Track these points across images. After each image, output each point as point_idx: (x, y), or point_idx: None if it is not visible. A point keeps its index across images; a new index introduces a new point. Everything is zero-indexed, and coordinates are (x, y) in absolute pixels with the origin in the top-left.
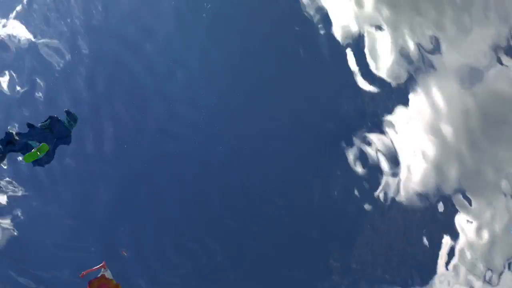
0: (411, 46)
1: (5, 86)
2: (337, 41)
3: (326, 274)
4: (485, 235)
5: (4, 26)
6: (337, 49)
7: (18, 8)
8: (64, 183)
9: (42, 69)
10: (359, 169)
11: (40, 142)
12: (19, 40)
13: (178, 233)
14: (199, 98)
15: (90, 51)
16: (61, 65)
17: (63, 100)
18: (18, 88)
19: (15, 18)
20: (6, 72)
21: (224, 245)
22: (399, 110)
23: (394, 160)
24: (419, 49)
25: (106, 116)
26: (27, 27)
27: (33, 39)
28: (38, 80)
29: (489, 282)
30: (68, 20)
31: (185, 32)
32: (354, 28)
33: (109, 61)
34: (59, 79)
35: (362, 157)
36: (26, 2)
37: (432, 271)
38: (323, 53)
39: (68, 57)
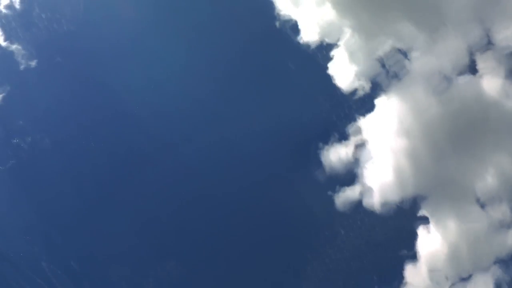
0: (381, 54)
1: None
2: (309, 51)
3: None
4: (449, 242)
5: None
6: (309, 60)
7: None
8: None
9: None
10: (326, 176)
11: None
12: None
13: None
14: (180, 107)
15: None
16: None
17: None
18: None
19: None
20: None
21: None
22: (369, 117)
23: (361, 167)
24: (388, 58)
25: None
26: None
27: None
28: None
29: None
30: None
31: (167, 43)
32: (325, 38)
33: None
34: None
35: (330, 164)
36: None
37: (398, 276)
38: (293, 63)
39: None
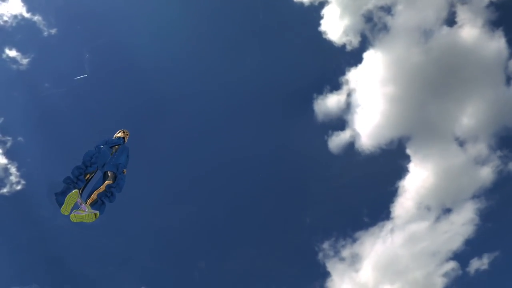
0: (368, 11)
1: None
2: (302, 10)
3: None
4: (432, 178)
5: None
6: (302, 18)
7: None
8: None
9: None
10: (320, 122)
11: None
12: None
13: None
14: (189, 63)
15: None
16: None
17: None
18: None
19: None
20: None
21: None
22: (358, 68)
23: (351, 113)
24: (374, 14)
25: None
26: None
27: None
28: None
29: (438, 220)
30: None
31: (173, 6)
32: None
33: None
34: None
35: (324, 112)
36: None
37: (385, 209)
38: (288, 22)
39: None
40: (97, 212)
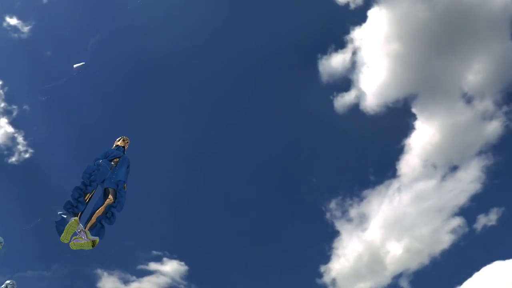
0: None
1: None
2: None
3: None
4: (438, 135)
5: None
6: None
7: None
8: None
9: None
10: (325, 82)
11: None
12: None
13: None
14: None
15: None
16: None
17: None
18: None
19: None
20: None
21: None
22: (363, 26)
23: (356, 73)
24: None
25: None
26: None
27: None
28: None
29: (444, 177)
30: None
31: None
32: None
33: None
34: None
35: (329, 72)
36: None
37: (391, 168)
38: None
39: None
40: (97, 239)
